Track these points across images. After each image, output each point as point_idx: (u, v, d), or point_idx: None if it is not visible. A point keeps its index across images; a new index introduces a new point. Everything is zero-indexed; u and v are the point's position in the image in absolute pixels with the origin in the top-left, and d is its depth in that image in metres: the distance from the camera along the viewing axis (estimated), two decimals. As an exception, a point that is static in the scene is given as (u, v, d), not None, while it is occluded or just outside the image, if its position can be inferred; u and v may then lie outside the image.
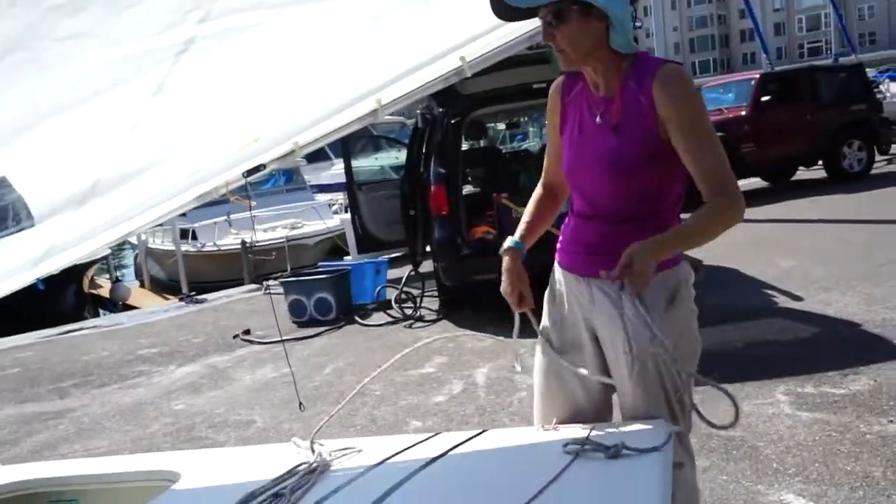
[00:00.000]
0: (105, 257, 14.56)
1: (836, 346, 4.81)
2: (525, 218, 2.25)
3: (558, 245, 2.13)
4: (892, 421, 3.62)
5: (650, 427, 1.88)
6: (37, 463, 2.79)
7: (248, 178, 2.58)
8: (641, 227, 1.90)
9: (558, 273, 2.13)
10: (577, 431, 1.88)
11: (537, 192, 2.29)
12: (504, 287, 2.12)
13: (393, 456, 2.01)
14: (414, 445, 2.08)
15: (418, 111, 7.43)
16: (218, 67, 2.00)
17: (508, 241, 2.16)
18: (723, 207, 1.87)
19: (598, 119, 1.97)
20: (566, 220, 2.15)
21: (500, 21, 2.03)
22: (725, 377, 4.40)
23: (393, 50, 2.38)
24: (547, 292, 2.17)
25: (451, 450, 1.97)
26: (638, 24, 2.02)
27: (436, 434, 2.20)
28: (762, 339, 5.12)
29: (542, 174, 2.26)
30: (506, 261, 2.14)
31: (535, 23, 2.02)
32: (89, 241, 2.30)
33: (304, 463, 1.96)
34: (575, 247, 2.06)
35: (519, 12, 1.92)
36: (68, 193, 2.11)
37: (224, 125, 2.34)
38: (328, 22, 2.11)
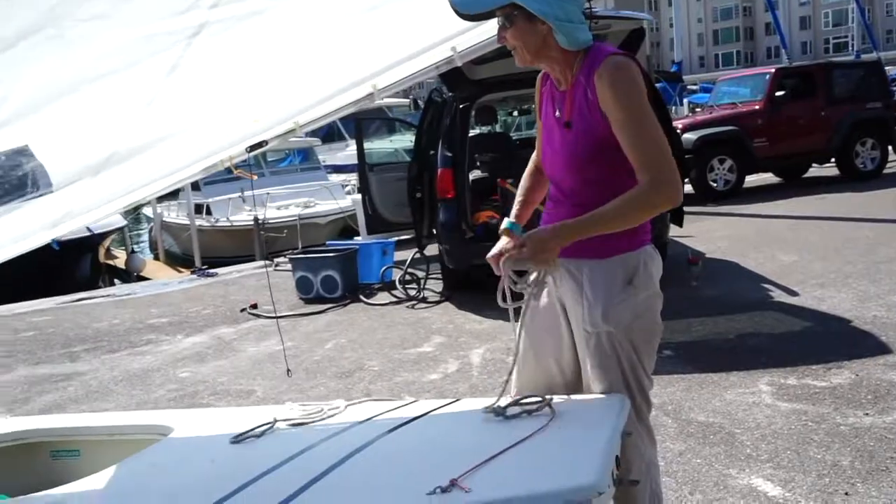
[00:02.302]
0: (121, 228, 14.80)
1: (824, 340, 4.91)
2: (518, 196, 2.42)
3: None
4: (867, 414, 3.73)
5: (605, 398, 2.02)
6: (40, 416, 2.96)
7: (251, 153, 2.74)
8: None
9: None
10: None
11: (529, 168, 2.43)
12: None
13: (371, 418, 2.16)
14: (393, 409, 2.23)
15: (430, 94, 7.53)
16: (226, 50, 2.15)
17: (505, 223, 2.34)
18: (641, 194, 1.95)
19: (557, 113, 2.12)
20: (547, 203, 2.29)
21: None
22: (713, 366, 4.56)
23: (388, 39, 2.52)
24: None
25: (423, 414, 2.12)
26: (589, 19, 2.10)
27: (414, 401, 2.35)
28: (753, 331, 5.23)
29: (535, 152, 2.39)
30: (502, 240, 2.30)
31: None
32: (103, 206, 2.48)
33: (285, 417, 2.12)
34: None
35: (480, 15, 2.04)
36: (86, 163, 2.28)
37: (229, 105, 2.49)
38: (329, 11, 2.26)
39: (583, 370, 2.18)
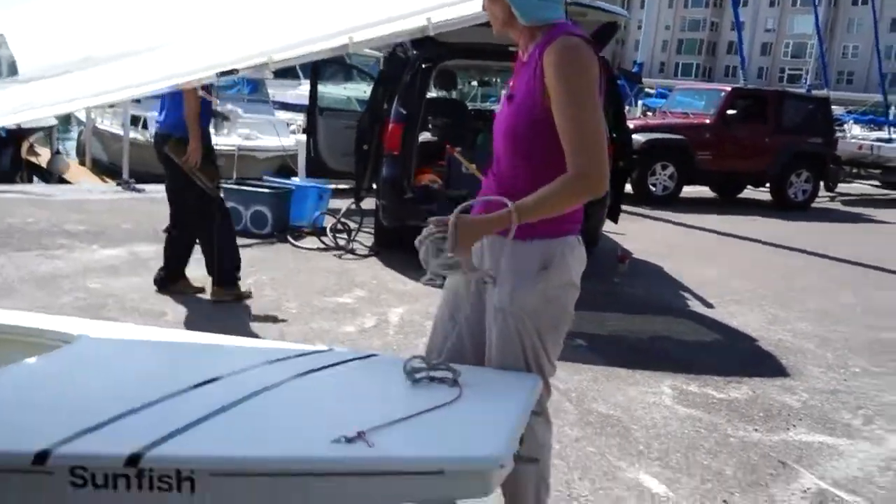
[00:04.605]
0: (50, 128, 14.19)
1: (729, 354, 5.08)
2: None
3: None
4: (757, 430, 3.88)
5: (520, 376, 2.04)
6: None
7: (221, 78, 2.74)
8: (531, 191, 2.00)
9: None
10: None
11: None
12: None
13: (283, 359, 2.13)
14: (306, 354, 2.21)
15: (393, 48, 7.41)
16: None
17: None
18: (566, 183, 1.95)
19: (511, 83, 2.14)
20: None
21: None
22: (622, 362, 4.66)
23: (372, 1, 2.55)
24: None
25: (334, 364, 2.10)
26: None
27: (331, 349, 2.34)
28: (665, 335, 5.38)
29: None
30: None
31: None
32: (65, 104, 2.52)
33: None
34: (480, 203, 2.20)
35: None
36: (58, 62, 2.27)
37: (213, 31, 2.51)
38: None
39: (487, 344, 2.19)
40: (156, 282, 5.29)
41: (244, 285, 5.41)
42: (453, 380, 1.92)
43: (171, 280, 5.29)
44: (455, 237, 1.95)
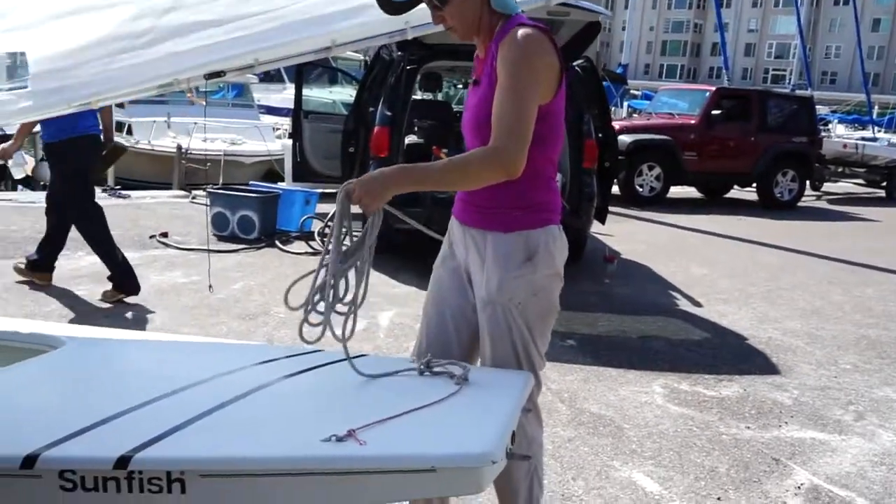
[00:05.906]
0: (34, 134, 14.06)
1: (719, 353, 5.08)
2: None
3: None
4: (749, 427, 3.88)
5: (511, 373, 2.03)
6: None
7: (209, 80, 2.77)
8: (505, 182, 1.99)
9: (452, 220, 2.27)
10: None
11: None
12: None
13: (271, 361, 2.11)
14: (295, 355, 2.19)
15: (378, 50, 7.40)
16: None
17: None
18: (477, 157, 1.95)
19: (473, 76, 2.16)
20: None
21: None
22: (613, 362, 4.66)
23: (354, 4, 2.59)
24: (445, 237, 2.32)
25: (324, 364, 2.09)
26: None
27: (319, 350, 2.31)
28: (656, 334, 5.38)
29: None
30: None
31: None
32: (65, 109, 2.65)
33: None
34: (460, 196, 2.21)
35: (403, 5, 2.10)
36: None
37: (204, 38, 2.58)
38: None
39: (481, 340, 2.18)
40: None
41: (228, 290, 5.38)
42: (462, 376, 1.91)
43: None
44: (359, 191, 2.00)
